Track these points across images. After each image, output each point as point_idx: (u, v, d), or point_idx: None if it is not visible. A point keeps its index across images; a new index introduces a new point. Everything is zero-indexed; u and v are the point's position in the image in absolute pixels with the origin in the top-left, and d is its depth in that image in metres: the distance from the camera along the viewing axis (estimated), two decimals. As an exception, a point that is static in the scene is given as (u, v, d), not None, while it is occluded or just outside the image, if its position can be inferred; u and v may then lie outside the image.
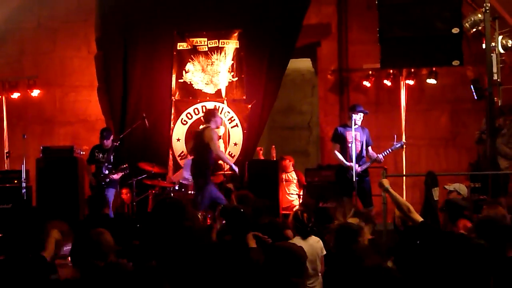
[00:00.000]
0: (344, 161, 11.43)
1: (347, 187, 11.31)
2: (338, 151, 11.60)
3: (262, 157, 14.10)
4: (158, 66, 14.44)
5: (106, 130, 13.06)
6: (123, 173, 12.63)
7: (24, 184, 13.32)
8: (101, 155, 12.75)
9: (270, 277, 4.60)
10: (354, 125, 11.35)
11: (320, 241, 7.40)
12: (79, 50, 15.43)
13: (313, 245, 7.26)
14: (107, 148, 12.72)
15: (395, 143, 11.69)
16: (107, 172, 12.54)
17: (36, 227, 5.96)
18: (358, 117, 11.50)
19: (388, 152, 11.82)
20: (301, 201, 12.94)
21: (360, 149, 11.46)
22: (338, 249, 6.60)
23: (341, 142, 11.62)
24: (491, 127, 10.24)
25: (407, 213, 6.58)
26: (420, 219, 6.49)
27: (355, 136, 11.34)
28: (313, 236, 7.38)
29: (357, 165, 11.24)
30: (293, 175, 13.74)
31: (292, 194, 13.45)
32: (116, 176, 12.56)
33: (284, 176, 13.63)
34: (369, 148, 11.73)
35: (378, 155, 11.55)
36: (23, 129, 14.49)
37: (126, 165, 12.56)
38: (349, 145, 11.34)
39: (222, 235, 7.05)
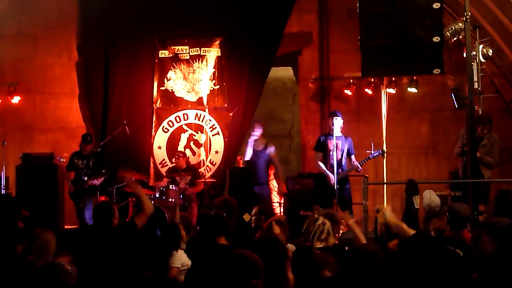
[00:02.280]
0: (326, 170, 11.44)
1: (325, 195, 11.31)
2: (320, 160, 11.60)
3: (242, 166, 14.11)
4: (140, 73, 14.41)
5: (89, 134, 13.08)
6: (103, 178, 12.61)
7: (3, 191, 13.24)
8: (80, 161, 12.72)
9: (232, 280, 4.77)
10: (333, 131, 11.34)
11: None
12: (60, 57, 15.34)
13: None
14: (86, 155, 12.70)
15: (372, 151, 11.71)
16: (86, 178, 12.50)
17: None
18: (336, 123, 11.48)
19: (365, 161, 11.84)
20: (282, 209, 12.93)
21: (340, 157, 11.46)
22: None
23: (323, 151, 11.63)
24: (472, 135, 10.29)
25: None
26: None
27: (337, 144, 11.33)
28: None
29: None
30: (274, 183, 13.72)
31: (274, 202, 13.43)
32: (96, 182, 12.53)
33: (265, 184, 13.63)
34: (353, 157, 11.72)
35: (354, 162, 11.54)
36: (3, 136, 14.35)
37: (105, 170, 12.57)
38: (330, 153, 11.35)
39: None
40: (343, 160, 11.58)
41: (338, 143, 11.40)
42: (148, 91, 14.36)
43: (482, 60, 11.49)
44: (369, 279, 4.99)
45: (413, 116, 14.76)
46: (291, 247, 6.81)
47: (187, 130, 14.24)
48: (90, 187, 12.50)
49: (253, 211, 8.86)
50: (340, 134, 11.47)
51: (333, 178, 11.18)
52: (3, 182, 13.31)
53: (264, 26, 14.00)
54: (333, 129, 11.37)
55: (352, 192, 11.83)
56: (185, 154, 13.70)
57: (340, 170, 11.35)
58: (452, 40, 11.68)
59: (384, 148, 13.49)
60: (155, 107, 14.33)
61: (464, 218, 7.21)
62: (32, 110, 15.41)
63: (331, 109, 14.08)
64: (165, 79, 14.35)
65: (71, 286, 4.66)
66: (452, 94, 10.96)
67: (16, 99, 14.74)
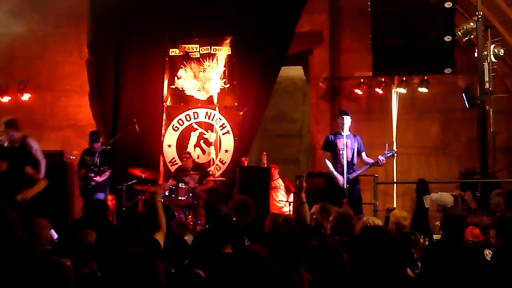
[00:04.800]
0: (334, 171, 11.37)
1: (336, 195, 11.25)
2: (329, 159, 11.55)
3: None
4: (150, 71, 14.42)
5: (94, 133, 12.96)
6: (106, 176, 12.55)
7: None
8: (89, 158, 12.68)
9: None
10: (343, 130, 11.27)
11: None
12: (71, 55, 15.38)
13: None
14: (95, 152, 12.66)
15: (386, 152, 11.63)
16: (92, 175, 12.48)
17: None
18: (346, 122, 11.38)
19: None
20: (291, 207, 12.89)
21: (351, 156, 11.40)
22: None
23: (332, 150, 11.57)
24: (483, 134, 10.27)
25: None
26: None
27: (346, 143, 11.28)
28: None
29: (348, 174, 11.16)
30: (279, 182, 13.67)
31: (281, 201, 13.40)
32: (99, 179, 12.47)
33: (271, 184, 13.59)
34: (363, 154, 11.64)
35: (379, 156, 11.39)
36: (13, 133, 14.38)
37: (107, 167, 12.53)
38: (340, 152, 11.29)
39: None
40: (354, 159, 11.52)
41: (348, 141, 11.33)
42: (158, 89, 14.36)
43: (494, 60, 11.50)
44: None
45: (423, 116, 14.68)
46: None
47: (197, 129, 14.23)
48: (98, 184, 12.47)
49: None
50: (349, 133, 11.40)
51: (341, 179, 11.11)
52: (13, 179, 13.30)
53: (275, 25, 13.95)
54: (343, 128, 11.29)
55: (362, 192, 11.75)
56: (191, 154, 13.64)
57: (351, 170, 11.30)
58: (464, 40, 11.69)
59: (395, 148, 13.44)
60: (165, 106, 14.32)
61: (462, 218, 7.17)
62: (42, 107, 15.45)
63: (342, 109, 14.04)
64: (176, 78, 14.35)
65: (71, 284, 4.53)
66: (463, 94, 10.96)
67: (26, 97, 14.80)
